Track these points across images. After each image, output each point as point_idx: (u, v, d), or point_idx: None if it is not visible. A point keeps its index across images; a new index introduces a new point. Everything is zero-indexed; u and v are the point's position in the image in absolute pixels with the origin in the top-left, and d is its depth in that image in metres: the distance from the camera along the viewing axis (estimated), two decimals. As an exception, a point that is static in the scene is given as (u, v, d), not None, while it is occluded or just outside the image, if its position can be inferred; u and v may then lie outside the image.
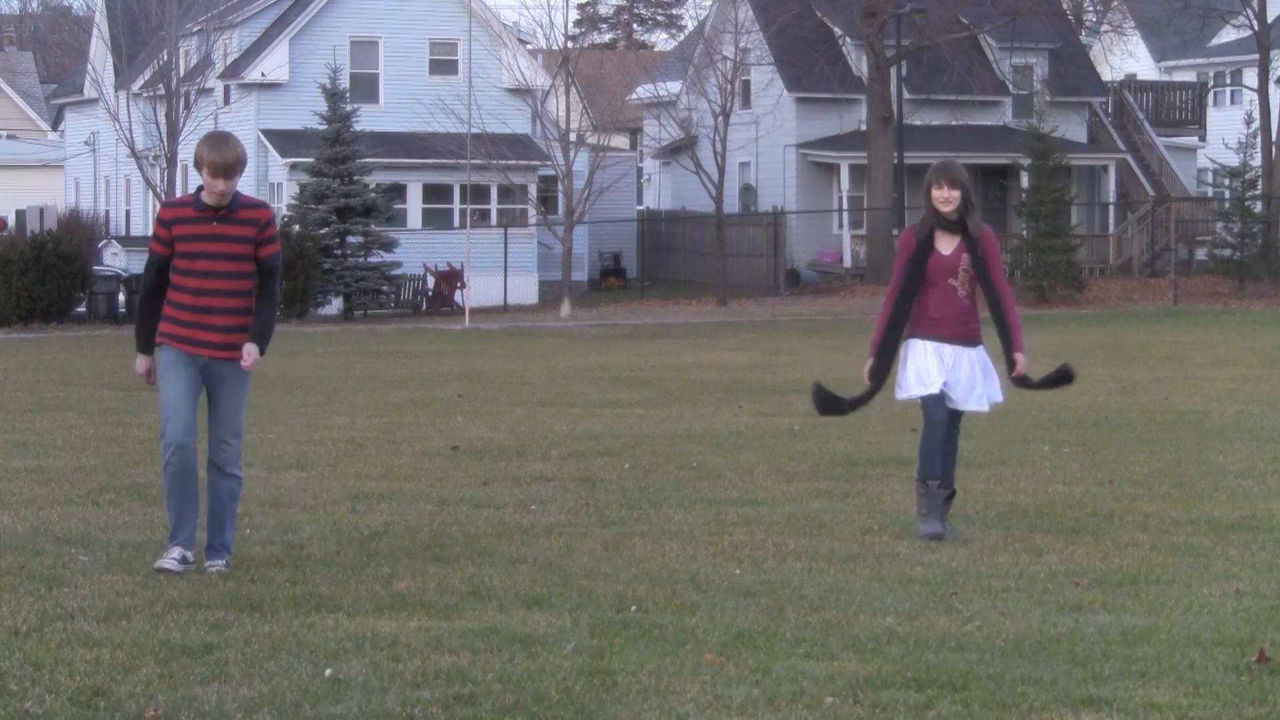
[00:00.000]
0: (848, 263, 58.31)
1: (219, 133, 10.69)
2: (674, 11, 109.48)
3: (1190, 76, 71.95)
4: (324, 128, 52.29)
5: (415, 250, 54.38)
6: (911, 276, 11.70)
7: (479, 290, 53.59)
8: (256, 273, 10.54)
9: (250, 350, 10.45)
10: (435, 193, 57.73)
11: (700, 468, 15.65)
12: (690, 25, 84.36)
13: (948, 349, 11.69)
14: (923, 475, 11.63)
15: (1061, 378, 12.31)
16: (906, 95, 56.52)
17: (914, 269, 11.70)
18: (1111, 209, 60.63)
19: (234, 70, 58.45)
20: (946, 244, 11.76)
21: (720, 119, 55.28)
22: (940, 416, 11.65)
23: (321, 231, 51.25)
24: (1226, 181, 56.46)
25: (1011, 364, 11.83)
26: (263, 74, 57.26)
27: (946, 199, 11.78)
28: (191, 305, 10.43)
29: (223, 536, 10.56)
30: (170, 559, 10.38)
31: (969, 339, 11.75)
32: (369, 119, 54.52)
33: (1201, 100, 67.28)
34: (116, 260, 57.30)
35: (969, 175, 11.96)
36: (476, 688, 7.59)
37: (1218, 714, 7.21)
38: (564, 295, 52.62)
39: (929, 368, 11.66)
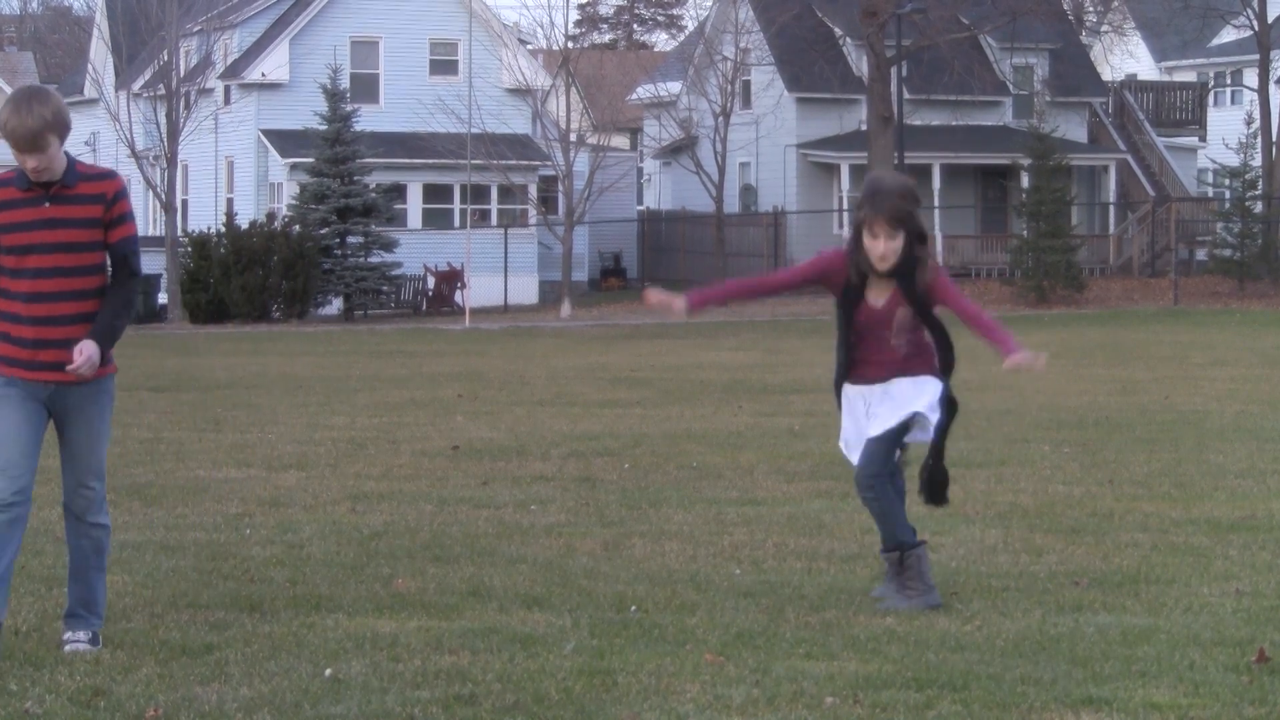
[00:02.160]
0: (848, 263, 58.26)
1: (23, 90, 7.94)
2: (674, 12, 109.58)
3: (1190, 77, 71.97)
4: (324, 128, 52.32)
5: (415, 250, 54.41)
6: (843, 318, 9.30)
7: (479, 290, 53.60)
8: (108, 264, 8.13)
9: (84, 349, 7.95)
10: (435, 193, 57.76)
11: (700, 468, 15.64)
12: (690, 25, 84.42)
13: (879, 388, 9.36)
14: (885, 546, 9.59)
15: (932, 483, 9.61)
16: (907, 95, 56.52)
17: (842, 312, 9.31)
18: (1112, 209, 60.65)
19: (234, 70, 58.46)
20: (879, 292, 9.25)
21: (720, 119, 55.30)
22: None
23: (322, 232, 51.27)
24: (1227, 181, 56.52)
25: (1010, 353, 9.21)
26: (263, 74, 57.27)
27: (884, 255, 9.11)
28: (26, 316, 7.99)
29: (92, 598, 8.36)
30: None
31: (912, 373, 9.33)
32: (369, 119, 54.56)
33: (1202, 100, 67.31)
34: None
35: (916, 201, 9.21)
36: (476, 688, 7.59)
37: (1218, 714, 7.20)
38: (564, 295, 52.63)
39: (859, 433, 9.44)
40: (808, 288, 9.60)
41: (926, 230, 9.32)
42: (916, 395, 9.29)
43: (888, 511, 9.37)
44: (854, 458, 9.46)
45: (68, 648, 8.24)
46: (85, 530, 8.36)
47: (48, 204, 7.99)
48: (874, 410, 9.33)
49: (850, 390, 9.43)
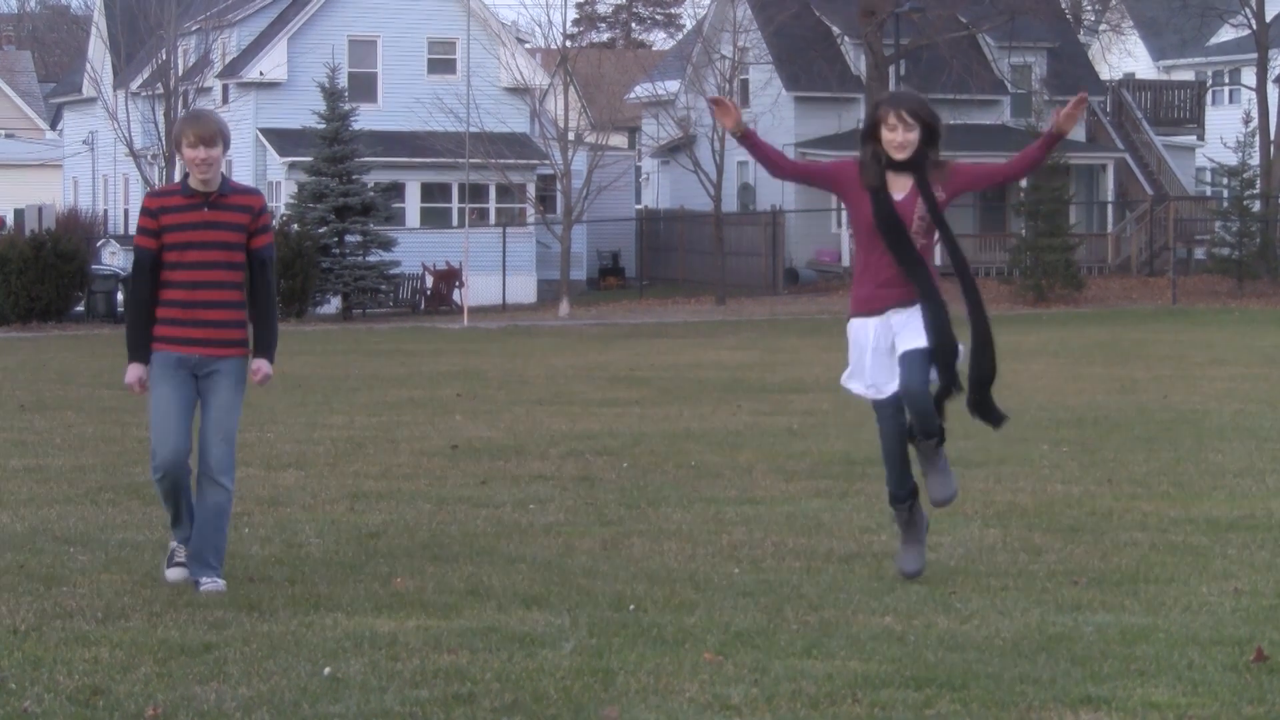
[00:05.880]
0: (846, 261, 58.29)
1: (198, 108, 10.22)
2: (672, 10, 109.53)
3: (1189, 75, 71.97)
4: (322, 127, 52.29)
5: (414, 249, 54.39)
6: (863, 223, 9.59)
7: (477, 289, 53.58)
8: (247, 266, 9.79)
9: (262, 365, 9.79)
10: (434, 192, 57.74)
11: (699, 467, 15.64)
12: (689, 24, 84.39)
13: (897, 319, 9.62)
14: (892, 498, 10.06)
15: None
16: (905, 94, 56.50)
17: (863, 215, 9.58)
18: (1110, 208, 60.65)
19: (232, 69, 58.45)
20: (899, 187, 9.61)
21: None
22: (893, 425, 9.81)
23: (320, 231, 51.25)
24: (1225, 180, 56.51)
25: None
26: (261, 73, 57.25)
27: (902, 144, 9.54)
28: (182, 301, 9.65)
29: (211, 554, 9.79)
30: (177, 562, 9.92)
31: (924, 298, 9.64)
32: (367, 118, 54.53)
33: (1200, 99, 67.32)
34: (115, 259, 57.31)
35: (931, 112, 9.68)
36: (475, 687, 7.59)
37: (1216, 713, 7.20)
38: (562, 294, 52.62)
39: (878, 366, 9.69)
40: (818, 184, 9.96)
41: (941, 132, 9.65)
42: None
43: (932, 406, 9.66)
44: (857, 388, 9.77)
45: (204, 588, 9.62)
46: (214, 489, 9.73)
47: (206, 209, 9.67)
48: (901, 335, 9.56)
49: (863, 328, 9.67)
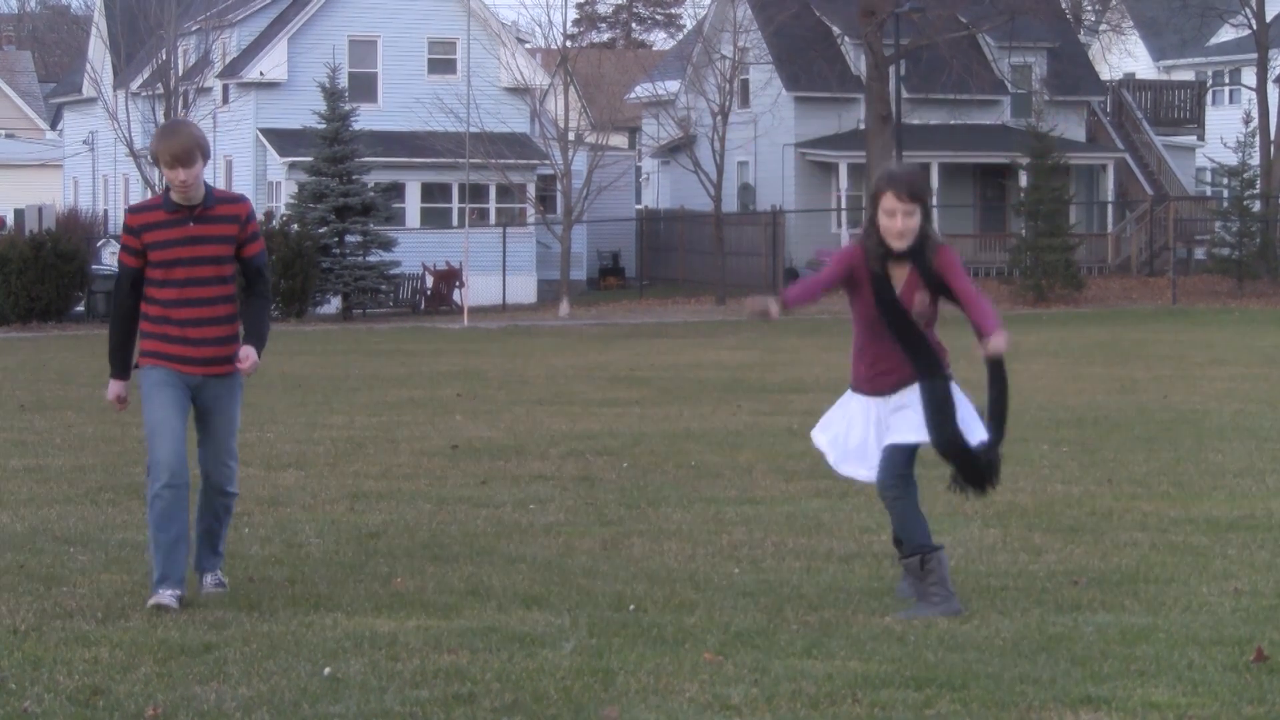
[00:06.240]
0: (846, 262, 58.28)
1: (171, 121, 9.43)
2: (672, 11, 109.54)
3: (1189, 75, 71.98)
4: (323, 127, 52.29)
5: (414, 249, 54.39)
6: (866, 314, 9.21)
7: (477, 289, 53.59)
8: (241, 274, 9.51)
9: (248, 353, 9.39)
10: (434, 192, 57.74)
11: (699, 467, 15.64)
12: (689, 24, 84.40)
13: (895, 401, 9.24)
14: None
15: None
16: (905, 94, 56.50)
17: (868, 309, 9.21)
18: (1110, 208, 60.65)
19: (233, 69, 58.45)
20: (897, 278, 9.21)
21: (719, 118, 55.28)
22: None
23: (320, 231, 51.24)
24: (1225, 180, 56.52)
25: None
26: (261, 73, 57.25)
27: (902, 232, 9.12)
28: (174, 319, 9.36)
29: (216, 555, 9.84)
30: (166, 594, 9.29)
31: (927, 375, 9.18)
32: (368, 118, 54.53)
33: (1200, 99, 67.32)
34: (115, 259, 57.29)
35: (926, 183, 9.38)
36: (475, 687, 7.59)
37: (1216, 713, 7.20)
38: (563, 294, 52.63)
39: (872, 444, 9.26)
40: (839, 283, 9.25)
41: (931, 209, 9.28)
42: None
43: (910, 514, 9.15)
44: (862, 473, 9.26)
45: (206, 589, 9.71)
46: (220, 496, 9.75)
47: (191, 224, 9.36)
48: (891, 423, 9.14)
49: (867, 401, 9.25)
